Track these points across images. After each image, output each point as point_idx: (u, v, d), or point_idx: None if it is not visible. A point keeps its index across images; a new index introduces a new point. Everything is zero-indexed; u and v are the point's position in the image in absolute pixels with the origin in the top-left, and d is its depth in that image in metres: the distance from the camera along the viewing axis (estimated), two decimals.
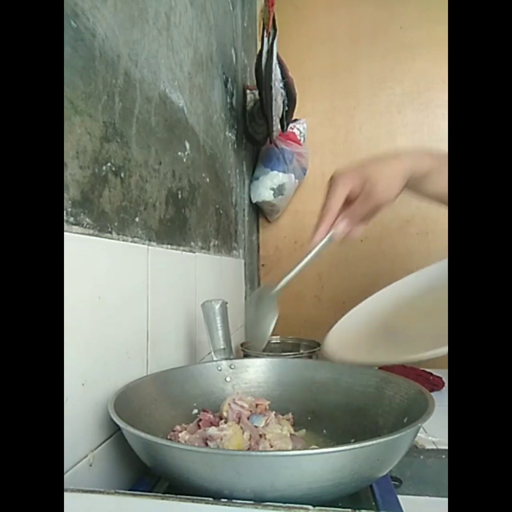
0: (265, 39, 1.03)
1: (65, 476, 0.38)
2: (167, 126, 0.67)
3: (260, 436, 0.47)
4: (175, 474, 0.35)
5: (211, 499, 0.30)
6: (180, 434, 0.47)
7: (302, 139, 1.45)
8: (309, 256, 0.53)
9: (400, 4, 1.54)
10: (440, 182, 0.55)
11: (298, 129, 1.43)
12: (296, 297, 1.57)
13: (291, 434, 0.49)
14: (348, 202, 0.53)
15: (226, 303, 0.64)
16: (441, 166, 0.54)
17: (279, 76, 1.09)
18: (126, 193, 0.53)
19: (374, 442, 0.32)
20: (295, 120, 1.39)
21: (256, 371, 0.61)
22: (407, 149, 0.56)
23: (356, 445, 0.33)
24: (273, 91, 1.04)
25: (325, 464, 0.32)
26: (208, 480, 0.32)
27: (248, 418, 0.49)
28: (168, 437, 0.48)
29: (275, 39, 1.03)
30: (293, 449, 0.44)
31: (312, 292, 1.55)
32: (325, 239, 0.52)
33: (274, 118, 1.09)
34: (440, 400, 0.41)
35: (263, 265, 1.60)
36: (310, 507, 0.29)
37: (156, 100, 0.62)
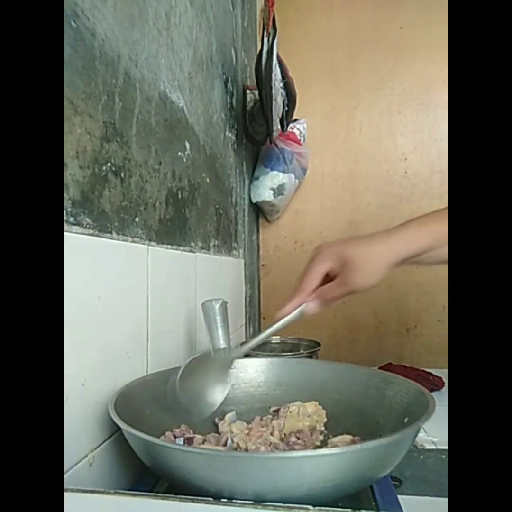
0: (265, 39, 1.03)
1: (65, 476, 0.38)
2: (167, 126, 0.67)
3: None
4: (176, 476, 0.34)
5: (211, 499, 0.30)
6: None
7: (302, 139, 1.45)
8: (273, 327, 0.51)
9: (400, 4, 1.54)
10: (442, 255, 0.48)
11: (298, 129, 1.43)
12: None
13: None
14: (326, 277, 0.50)
15: (226, 302, 0.64)
16: (439, 240, 0.47)
17: (279, 76, 1.09)
18: (126, 193, 0.53)
19: (375, 443, 0.32)
20: (295, 120, 1.38)
21: (256, 371, 0.61)
22: (403, 226, 0.50)
23: (358, 446, 0.33)
24: (273, 91, 1.04)
25: (327, 465, 0.32)
26: (210, 482, 0.32)
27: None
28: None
29: (275, 39, 1.03)
30: (295, 451, 0.44)
31: None
32: (294, 313, 0.50)
33: (274, 118, 1.09)
34: (440, 400, 0.41)
35: (263, 265, 1.60)
36: (310, 507, 0.29)
37: (156, 100, 0.62)
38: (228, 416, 0.55)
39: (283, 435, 0.51)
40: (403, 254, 0.48)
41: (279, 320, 0.50)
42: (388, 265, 0.48)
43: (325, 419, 0.54)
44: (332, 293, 0.50)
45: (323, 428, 0.53)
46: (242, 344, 0.54)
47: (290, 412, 0.54)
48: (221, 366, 0.53)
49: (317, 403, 0.55)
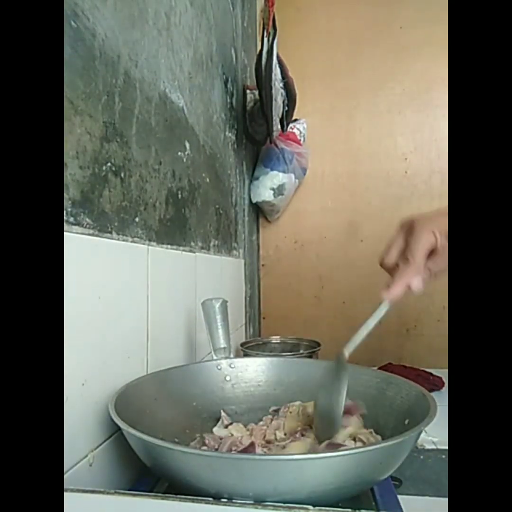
0: (265, 39, 1.03)
1: (65, 476, 0.38)
2: (167, 126, 0.67)
3: None
4: (177, 477, 0.34)
5: (211, 499, 0.30)
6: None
7: (302, 139, 1.45)
8: (380, 315, 0.47)
9: (400, 4, 1.54)
10: None
11: (298, 129, 1.43)
12: (296, 297, 1.57)
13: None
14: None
15: (227, 301, 0.64)
16: None
17: (279, 76, 1.09)
18: (126, 193, 0.53)
19: (377, 446, 0.32)
20: (295, 120, 1.39)
21: (256, 370, 0.61)
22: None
23: (360, 449, 0.32)
24: (273, 91, 1.04)
25: (328, 468, 0.32)
26: (210, 483, 0.32)
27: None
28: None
29: (275, 39, 1.03)
30: (296, 453, 0.44)
31: (312, 292, 1.55)
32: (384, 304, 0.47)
33: (274, 118, 1.09)
34: (440, 400, 0.41)
35: (263, 265, 1.60)
36: (310, 507, 0.29)
37: (156, 100, 0.62)
38: (223, 416, 0.55)
39: (284, 434, 0.51)
40: None
41: (389, 303, 0.47)
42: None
43: None
44: (441, 265, 0.46)
45: None
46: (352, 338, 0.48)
47: (290, 412, 0.54)
48: (338, 370, 0.48)
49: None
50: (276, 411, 0.56)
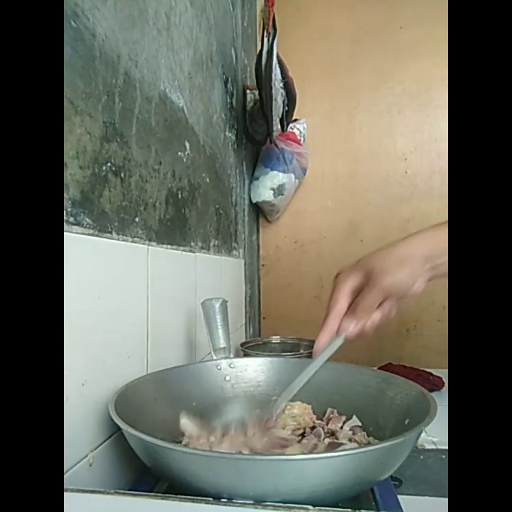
0: (265, 39, 1.03)
1: (65, 476, 0.38)
2: (167, 126, 0.67)
3: None
4: (177, 477, 0.34)
5: (211, 499, 0.30)
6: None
7: (302, 139, 1.45)
8: (315, 363, 0.48)
9: (400, 4, 1.54)
10: None
11: (298, 129, 1.43)
12: (296, 297, 1.57)
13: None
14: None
15: (227, 301, 0.64)
16: None
17: (279, 76, 1.09)
18: (126, 193, 0.53)
19: (377, 446, 0.32)
20: (295, 120, 1.39)
21: (256, 370, 0.61)
22: (418, 231, 0.49)
23: (360, 449, 0.32)
24: (273, 91, 1.04)
25: (328, 468, 0.32)
26: (210, 483, 0.32)
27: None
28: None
29: (275, 39, 1.03)
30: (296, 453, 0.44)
31: (312, 292, 1.55)
32: (335, 342, 0.47)
33: (274, 118, 1.09)
34: (440, 400, 0.41)
35: (263, 265, 1.60)
36: (310, 507, 0.29)
37: (156, 100, 0.62)
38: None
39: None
40: (433, 250, 0.45)
41: (318, 355, 0.48)
42: (415, 262, 0.45)
43: (312, 424, 0.53)
44: (365, 301, 0.46)
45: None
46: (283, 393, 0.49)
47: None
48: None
49: (305, 406, 0.55)
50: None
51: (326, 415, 0.54)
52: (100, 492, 0.31)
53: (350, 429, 0.50)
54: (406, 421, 0.43)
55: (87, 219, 0.44)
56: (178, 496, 0.30)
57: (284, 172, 1.38)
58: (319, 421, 0.53)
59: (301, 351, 1.07)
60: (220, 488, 0.32)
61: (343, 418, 0.52)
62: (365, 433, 0.49)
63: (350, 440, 0.47)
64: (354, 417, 0.51)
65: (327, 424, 0.52)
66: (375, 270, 0.46)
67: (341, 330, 0.47)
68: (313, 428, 0.51)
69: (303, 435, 0.51)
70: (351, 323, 0.47)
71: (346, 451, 0.32)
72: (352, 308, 0.47)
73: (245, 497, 0.31)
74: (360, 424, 0.50)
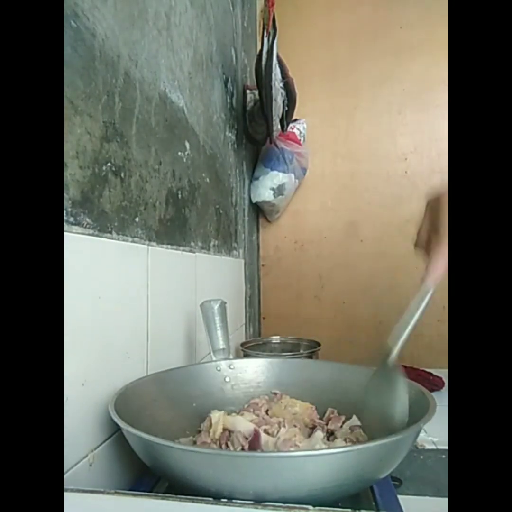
0: (265, 39, 1.03)
1: (65, 476, 0.38)
2: (167, 126, 0.67)
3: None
4: (177, 475, 0.34)
5: (211, 499, 0.30)
6: None
7: (302, 139, 1.45)
8: (426, 301, 0.45)
9: (400, 4, 1.54)
10: None
11: (298, 129, 1.43)
12: (296, 297, 1.57)
13: None
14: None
15: (225, 303, 0.64)
16: None
17: (279, 76, 1.09)
18: (126, 193, 0.53)
19: (377, 443, 0.32)
20: (295, 120, 1.39)
21: (256, 371, 0.61)
22: None
23: (359, 446, 0.33)
24: (273, 91, 1.04)
25: (328, 465, 0.32)
26: (210, 482, 0.32)
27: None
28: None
29: (275, 39, 1.03)
30: (296, 450, 0.44)
31: (312, 292, 1.55)
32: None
33: (274, 118, 1.09)
34: (440, 400, 0.41)
35: (263, 265, 1.60)
36: (310, 507, 0.29)
37: (156, 100, 0.62)
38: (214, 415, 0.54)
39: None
40: None
41: (433, 286, 0.44)
42: None
43: (311, 425, 0.52)
44: None
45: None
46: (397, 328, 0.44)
47: (281, 402, 0.55)
48: (389, 371, 0.45)
49: (309, 406, 0.54)
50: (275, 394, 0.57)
51: (326, 415, 0.54)
52: (100, 492, 0.31)
53: (350, 428, 0.50)
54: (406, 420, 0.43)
55: (87, 219, 0.44)
56: (178, 496, 0.30)
57: (284, 172, 1.38)
58: (319, 421, 0.53)
59: (301, 351, 1.07)
60: (220, 486, 0.32)
61: (343, 418, 0.52)
62: (361, 430, 0.49)
63: (345, 439, 0.47)
64: (354, 417, 0.51)
65: (327, 424, 0.52)
66: (444, 194, 0.43)
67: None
68: (312, 428, 0.51)
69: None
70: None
71: (345, 448, 0.32)
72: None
73: (245, 495, 0.31)
74: (359, 423, 0.50)
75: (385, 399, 0.44)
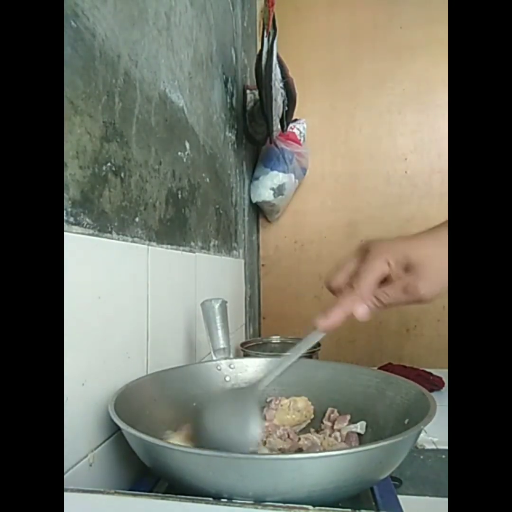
0: (265, 39, 1.03)
1: (65, 476, 0.38)
2: (167, 126, 0.67)
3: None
4: (176, 476, 0.34)
5: (211, 499, 0.30)
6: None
7: (302, 139, 1.45)
8: (313, 341, 0.45)
9: (400, 4, 1.54)
10: None
11: (298, 129, 1.43)
12: (296, 297, 1.57)
13: None
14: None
15: (226, 302, 0.64)
16: None
17: (279, 76, 1.09)
18: (126, 193, 0.53)
19: (377, 445, 0.32)
20: (295, 120, 1.38)
21: (256, 371, 0.61)
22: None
23: (359, 448, 0.32)
24: (273, 91, 1.04)
25: (328, 467, 0.32)
26: (210, 483, 0.32)
27: None
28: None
29: (275, 39, 1.03)
30: (296, 452, 0.45)
31: (312, 292, 1.55)
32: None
33: (274, 118, 1.09)
34: (440, 400, 0.41)
35: (263, 265, 1.60)
36: (310, 507, 0.29)
37: (156, 100, 0.62)
38: None
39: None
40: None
41: (323, 332, 0.43)
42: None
43: (313, 416, 0.55)
44: (392, 298, 0.41)
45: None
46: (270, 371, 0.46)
47: (281, 405, 0.55)
48: (249, 399, 0.44)
49: (306, 398, 0.56)
50: (268, 402, 0.56)
51: (327, 415, 0.54)
52: (100, 492, 0.31)
53: (346, 434, 0.50)
54: (406, 421, 0.43)
55: (87, 219, 0.44)
56: (178, 496, 0.30)
57: (284, 172, 1.38)
58: (327, 422, 0.53)
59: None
60: (219, 487, 0.32)
61: (348, 417, 0.52)
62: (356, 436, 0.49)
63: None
64: (363, 422, 0.51)
65: (333, 425, 0.52)
66: (418, 271, 0.41)
67: (355, 313, 0.42)
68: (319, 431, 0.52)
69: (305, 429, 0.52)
70: (366, 309, 0.42)
71: (345, 450, 0.32)
72: (378, 295, 0.42)
73: (245, 496, 0.31)
74: (359, 431, 0.50)
75: (238, 414, 0.43)
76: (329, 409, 0.54)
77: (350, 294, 0.42)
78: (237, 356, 1.00)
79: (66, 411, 0.38)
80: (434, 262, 0.40)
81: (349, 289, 0.42)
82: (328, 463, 0.32)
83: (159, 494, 0.31)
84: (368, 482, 0.38)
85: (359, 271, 0.42)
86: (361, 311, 0.41)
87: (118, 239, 0.50)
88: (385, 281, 0.42)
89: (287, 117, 1.20)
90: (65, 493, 0.29)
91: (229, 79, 1.11)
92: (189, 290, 0.74)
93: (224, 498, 0.31)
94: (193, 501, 0.30)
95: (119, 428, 0.37)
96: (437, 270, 0.40)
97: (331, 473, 0.32)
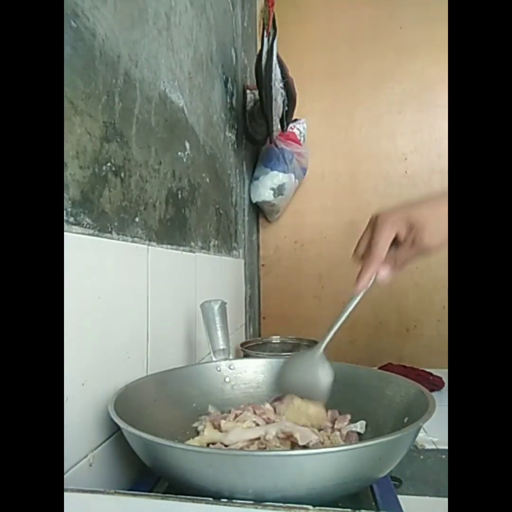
0: (265, 39, 1.03)
1: (65, 476, 0.38)
2: (167, 126, 0.67)
3: None
4: (176, 475, 0.34)
5: (211, 499, 0.30)
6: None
7: (302, 139, 1.45)
8: (355, 302, 0.51)
9: (400, 4, 1.54)
10: None
11: (298, 129, 1.43)
12: (296, 297, 1.57)
13: None
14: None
15: (225, 303, 0.64)
16: None
17: (279, 76, 1.09)
18: (126, 193, 0.53)
19: (376, 441, 0.32)
20: (295, 120, 1.38)
21: (256, 371, 0.61)
22: None
23: (359, 445, 0.33)
24: (273, 91, 1.04)
25: (327, 463, 0.32)
26: (210, 481, 0.32)
27: None
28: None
29: (275, 39, 1.03)
30: (295, 449, 0.44)
31: (312, 292, 1.55)
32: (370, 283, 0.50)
33: (274, 118, 1.09)
34: (440, 400, 0.41)
35: (263, 265, 1.60)
36: (310, 507, 0.29)
37: (156, 100, 0.62)
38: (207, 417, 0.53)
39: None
40: None
41: (359, 293, 0.50)
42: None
43: (322, 426, 0.52)
44: (403, 256, 0.49)
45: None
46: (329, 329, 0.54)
47: (293, 404, 0.53)
48: (317, 361, 0.54)
49: (322, 406, 0.53)
50: (279, 399, 0.56)
51: (328, 415, 0.54)
52: (100, 492, 0.31)
53: (347, 433, 0.50)
54: (405, 420, 0.43)
55: (87, 219, 0.44)
56: (178, 496, 0.30)
57: (284, 172, 1.38)
58: (327, 422, 0.53)
59: (301, 351, 1.07)
60: (219, 485, 0.32)
61: (348, 416, 0.51)
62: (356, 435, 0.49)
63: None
64: (363, 421, 0.51)
65: (333, 424, 0.52)
66: (418, 226, 0.47)
67: (378, 276, 0.50)
68: (320, 430, 0.52)
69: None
70: (388, 270, 0.50)
71: (344, 447, 0.32)
72: (389, 258, 0.49)
73: (245, 494, 0.31)
74: (359, 430, 0.50)
75: (308, 374, 0.53)
76: (330, 411, 0.54)
77: (370, 259, 0.49)
78: (237, 356, 1.00)
79: (66, 411, 0.38)
80: (432, 218, 0.47)
81: (368, 254, 0.50)
82: (328, 459, 0.32)
83: (159, 494, 0.31)
84: (368, 479, 0.38)
85: (373, 238, 0.49)
86: (382, 272, 0.49)
87: (118, 239, 0.50)
88: (396, 244, 0.49)
89: (287, 117, 1.20)
90: (65, 493, 0.29)
91: (229, 79, 1.11)
92: (189, 290, 0.74)
93: (224, 496, 0.31)
94: (193, 501, 0.30)
95: (119, 428, 0.37)
96: (436, 224, 0.47)
97: (331, 470, 0.32)
